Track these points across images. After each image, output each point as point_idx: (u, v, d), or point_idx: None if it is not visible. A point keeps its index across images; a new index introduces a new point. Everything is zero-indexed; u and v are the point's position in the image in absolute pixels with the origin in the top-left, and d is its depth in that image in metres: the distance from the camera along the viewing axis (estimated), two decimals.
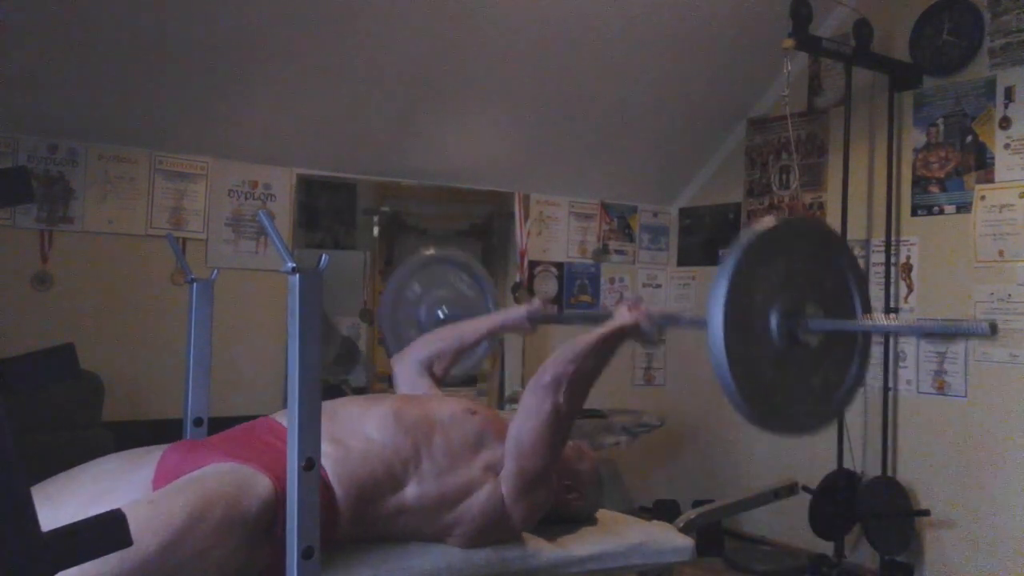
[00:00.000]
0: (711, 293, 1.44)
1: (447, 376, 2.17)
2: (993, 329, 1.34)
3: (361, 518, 1.56)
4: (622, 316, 1.79)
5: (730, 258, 1.47)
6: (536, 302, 2.22)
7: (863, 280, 1.67)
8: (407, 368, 2.10)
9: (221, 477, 1.43)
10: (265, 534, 1.42)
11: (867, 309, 1.65)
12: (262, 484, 1.43)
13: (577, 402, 1.73)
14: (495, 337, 2.27)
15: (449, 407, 1.76)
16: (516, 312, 2.20)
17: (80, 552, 0.83)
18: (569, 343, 1.74)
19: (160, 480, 1.49)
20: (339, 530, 1.53)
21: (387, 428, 1.65)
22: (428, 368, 2.10)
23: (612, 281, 4.77)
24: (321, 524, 1.28)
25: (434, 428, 1.68)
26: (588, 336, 1.74)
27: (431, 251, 2.50)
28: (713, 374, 1.43)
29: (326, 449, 1.53)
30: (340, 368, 4.75)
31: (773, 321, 1.50)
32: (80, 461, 1.59)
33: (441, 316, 2.41)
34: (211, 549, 1.34)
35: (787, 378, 1.54)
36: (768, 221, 1.55)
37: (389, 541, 1.64)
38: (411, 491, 1.60)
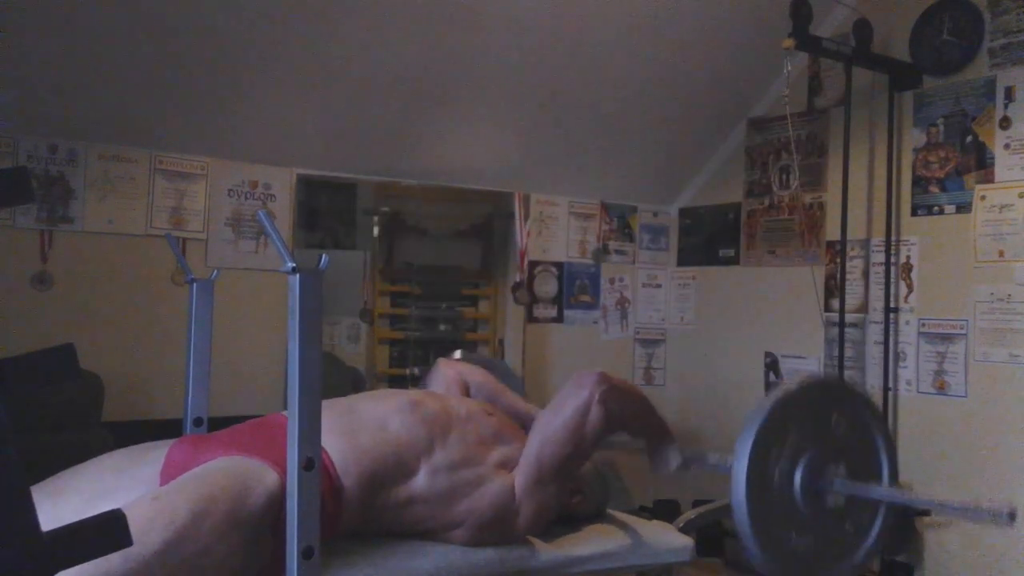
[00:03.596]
0: (737, 450, 1.45)
1: None
2: (1012, 517, 1.35)
3: (369, 508, 1.56)
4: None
5: (756, 418, 1.47)
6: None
7: (891, 445, 1.67)
8: (449, 374, 2.07)
9: (226, 472, 1.41)
10: (269, 530, 1.40)
11: (895, 475, 1.65)
12: (269, 478, 1.41)
13: (611, 426, 1.76)
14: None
15: (467, 404, 1.77)
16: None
17: (80, 552, 0.83)
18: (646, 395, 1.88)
19: (167, 475, 1.46)
20: (344, 522, 1.53)
21: (404, 417, 1.65)
22: (464, 387, 2.07)
23: (612, 281, 4.77)
24: (327, 517, 1.28)
25: (452, 422, 1.69)
26: (652, 416, 1.91)
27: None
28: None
29: (337, 442, 1.53)
30: None
31: (797, 479, 1.51)
32: (80, 461, 1.58)
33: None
34: (215, 545, 1.32)
35: (809, 537, 1.56)
36: (790, 385, 1.56)
37: (392, 538, 1.64)
38: (422, 480, 1.60)
